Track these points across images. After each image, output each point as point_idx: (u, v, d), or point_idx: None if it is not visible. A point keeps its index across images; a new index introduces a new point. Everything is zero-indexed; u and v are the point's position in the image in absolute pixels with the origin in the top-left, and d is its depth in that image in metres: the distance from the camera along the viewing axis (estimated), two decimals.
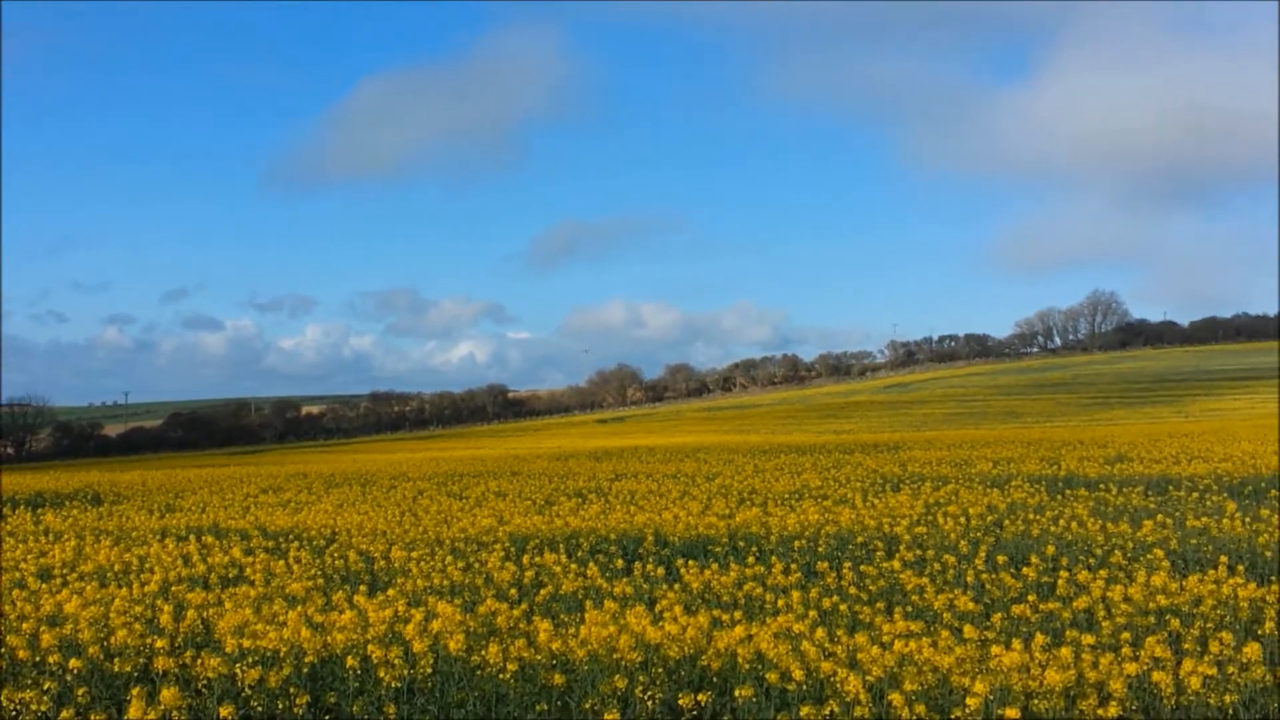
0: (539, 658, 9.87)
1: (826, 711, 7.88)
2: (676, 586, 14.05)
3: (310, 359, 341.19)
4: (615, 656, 9.62)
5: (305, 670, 10.05)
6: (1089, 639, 9.78)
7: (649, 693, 9.07)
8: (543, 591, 14.02)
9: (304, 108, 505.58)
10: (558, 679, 9.44)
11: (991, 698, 7.72)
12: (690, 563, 15.44)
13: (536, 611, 12.78)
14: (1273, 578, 13.61)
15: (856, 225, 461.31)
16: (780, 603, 12.58)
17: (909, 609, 12.58)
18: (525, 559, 16.49)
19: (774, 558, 16.12)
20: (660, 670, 9.64)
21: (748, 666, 9.37)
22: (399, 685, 9.55)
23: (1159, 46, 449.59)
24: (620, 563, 16.61)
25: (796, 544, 17.76)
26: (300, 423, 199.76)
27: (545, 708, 9.50)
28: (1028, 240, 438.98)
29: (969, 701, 7.54)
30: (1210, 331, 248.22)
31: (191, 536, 21.00)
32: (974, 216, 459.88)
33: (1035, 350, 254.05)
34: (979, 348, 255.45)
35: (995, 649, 8.65)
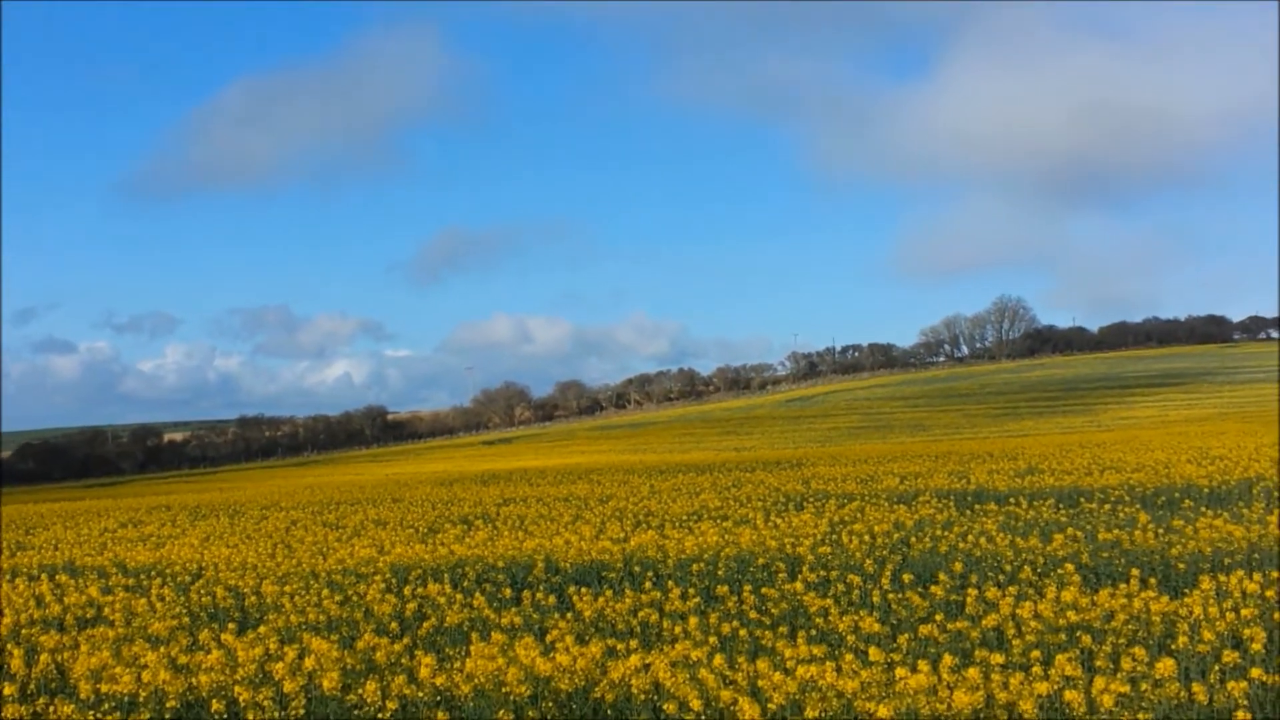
0: (421, 694, 9.80)
1: None
2: (569, 615, 14.06)
3: (172, 382, 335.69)
4: (503, 690, 9.59)
5: (168, 716, 9.87)
6: (998, 658, 9.93)
7: None
8: (426, 624, 13.94)
9: (164, 113, 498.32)
10: (441, 716, 9.37)
11: None
12: (583, 590, 15.44)
13: (419, 645, 12.71)
14: (1185, 589, 13.92)
15: (755, 232, 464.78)
16: (678, 629, 12.61)
17: (813, 632, 12.69)
18: (407, 590, 16.40)
19: (671, 582, 16.19)
20: (551, 704, 9.62)
21: (643, 697, 9.38)
22: None
23: (1061, 45, 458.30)
24: (509, 592, 16.57)
25: (695, 567, 17.81)
26: (162, 451, 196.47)
27: None
28: (933, 245, 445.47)
29: None
30: (1121, 337, 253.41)
31: (44, 575, 20.58)
32: (877, 221, 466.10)
33: (942, 359, 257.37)
34: (884, 358, 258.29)
35: (901, 671, 8.73)
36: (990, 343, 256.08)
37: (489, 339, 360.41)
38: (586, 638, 12.19)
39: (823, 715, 8.27)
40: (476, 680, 9.74)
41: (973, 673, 8.78)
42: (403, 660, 11.24)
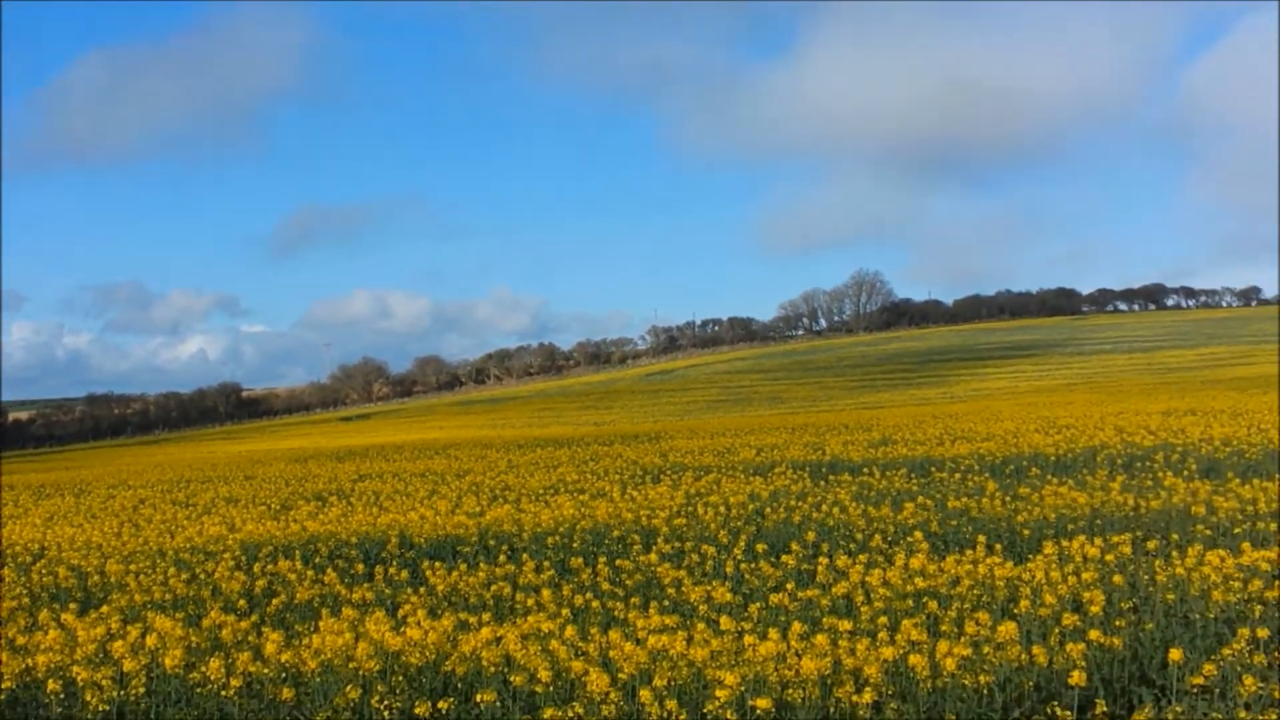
0: (267, 671, 9.66)
1: (571, 713, 7.91)
2: (421, 590, 13.97)
3: (18, 360, 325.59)
4: (351, 666, 9.49)
5: (3, 698, 9.62)
6: (847, 625, 10.07)
7: (386, 702, 8.96)
8: (275, 601, 13.76)
9: (10, 86, 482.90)
10: (286, 693, 9.25)
11: (744, 689, 7.86)
12: (437, 564, 15.35)
13: (267, 622, 12.51)
14: (1029, 555, 14.23)
15: (615, 208, 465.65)
16: (531, 602, 12.61)
17: (665, 603, 12.75)
18: (257, 568, 16.16)
19: (526, 556, 16.15)
20: (400, 678, 9.54)
21: (494, 670, 9.35)
22: (107, 708, 9.21)
23: (918, 25, 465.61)
24: (361, 567, 16.43)
25: (550, 540, 17.83)
26: (6, 431, 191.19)
27: None
28: (793, 220, 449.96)
29: (718, 693, 7.67)
30: (975, 310, 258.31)
31: None
32: (737, 197, 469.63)
33: (800, 333, 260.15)
34: (743, 332, 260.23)
35: (750, 639, 8.81)
36: (848, 316, 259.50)
37: (347, 315, 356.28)
38: (439, 612, 12.13)
39: (671, 683, 8.31)
40: (324, 656, 9.63)
41: (821, 639, 8.88)
42: (249, 638, 11.08)
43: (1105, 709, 7.37)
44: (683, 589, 13.10)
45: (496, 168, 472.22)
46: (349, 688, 8.99)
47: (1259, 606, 11.07)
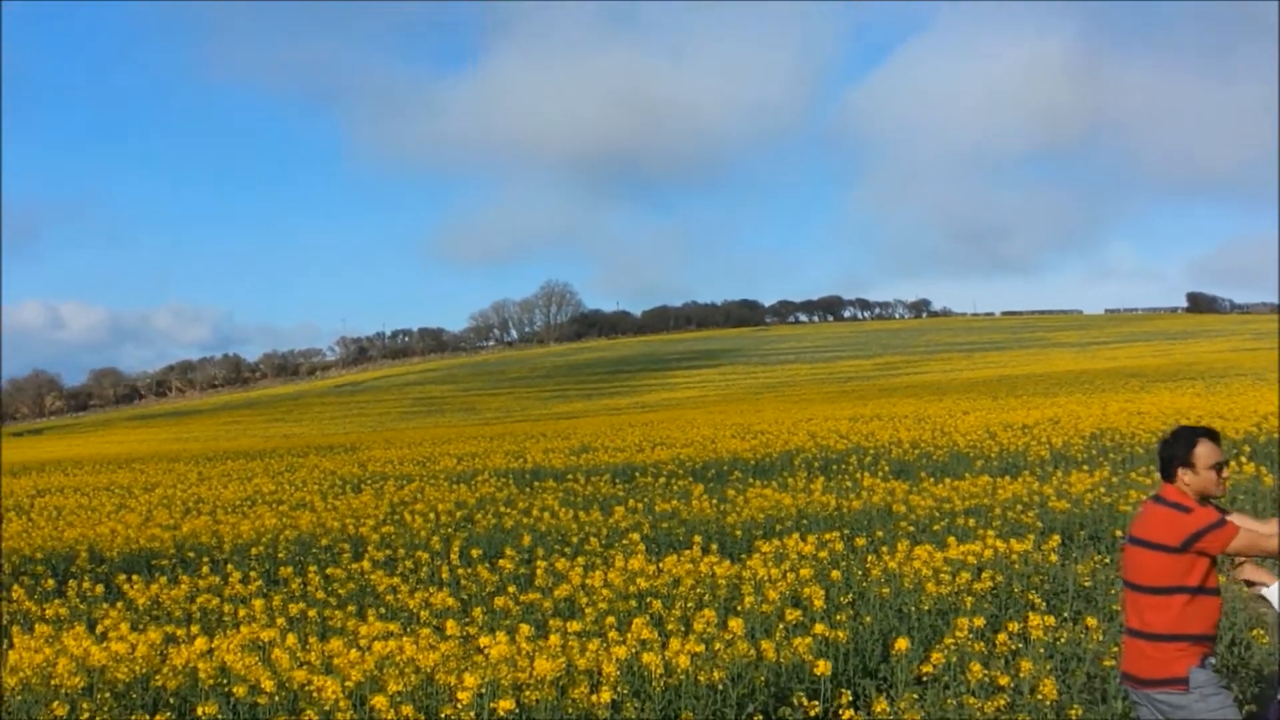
0: None
1: None
2: (119, 604, 13.26)
3: None
4: (54, 683, 8.87)
5: None
6: (576, 626, 9.95)
7: (97, 719, 8.38)
8: None
9: None
10: None
11: (483, 692, 7.65)
12: (134, 578, 14.62)
13: None
14: (743, 555, 14.42)
15: (299, 217, 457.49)
16: (242, 613, 12.08)
17: (383, 610, 12.41)
18: None
19: (231, 567, 15.55)
20: (108, 695, 8.97)
21: (211, 682, 8.88)
22: None
23: (590, 40, 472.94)
24: (51, 583, 15.52)
25: (254, 551, 17.21)
26: None
27: None
28: (482, 231, 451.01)
29: (460, 696, 7.44)
30: (662, 321, 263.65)
31: None
32: (426, 207, 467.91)
33: (492, 343, 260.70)
34: (434, 342, 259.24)
35: (485, 640, 8.60)
36: (539, 327, 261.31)
37: (16, 326, 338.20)
38: (142, 626, 11.50)
39: (405, 688, 8.03)
40: (23, 673, 8.98)
41: (553, 640, 8.74)
42: None
43: (849, 698, 7.44)
44: (399, 595, 12.77)
45: (170, 173, 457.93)
46: (55, 704, 8.37)
47: (969, 598, 11.45)
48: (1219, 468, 6.41)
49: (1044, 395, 56.02)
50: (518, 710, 7.55)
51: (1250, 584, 6.61)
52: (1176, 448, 6.50)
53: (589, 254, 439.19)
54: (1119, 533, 15.77)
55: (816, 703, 7.70)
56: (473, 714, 7.43)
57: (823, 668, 8.03)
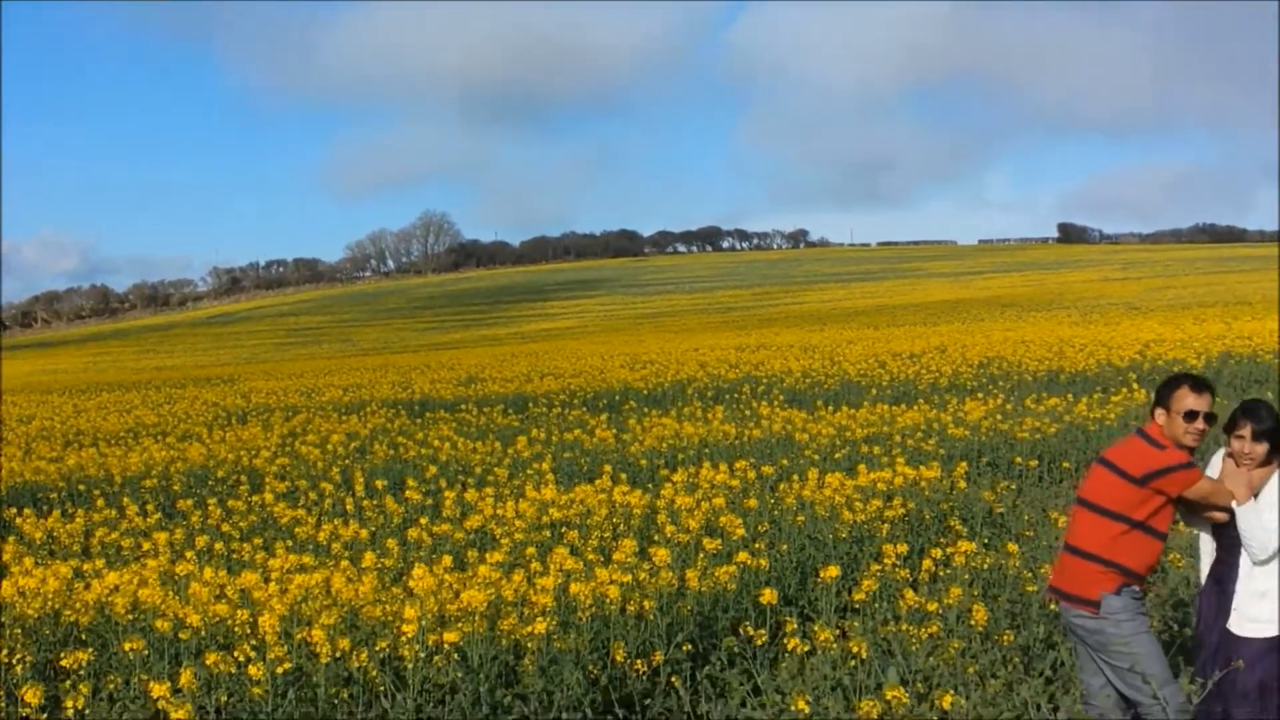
0: None
1: (242, 655, 7.35)
2: (11, 539, 12.89)
3: None
4: None
5: None
6: (498, 556, 9.84)
7: (19, 655, 8.06)
8: None
9: None
10: None
11: (424, 623, 7.51)
12: (26, 511, 14.22)
13: None
14: (648, 484, 14.40)
15: (169, 147, 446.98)
16: (146, 546, 11.78)
17: (290, 543, 12.19)
18: None
19: (126, 499, 15.19)
20: (18, 632, 8.67)
21: (130, 617, 8.63)
22: None
23: None
24: None
25: (146, 484, 16.81)
26: None
27: None
28: (360, 161, 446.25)
29: (406, 629, 7.28)
30: (541, 251, 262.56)
31: None
32: (304, 137, 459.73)
33: (369, 274, 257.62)
34: (310, 273, 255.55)
35: (419, 569, 8.42)
36: (416, 257, 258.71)
37: None
38: (41, 561, 11.15)
39: (339, 622, 7.85)
40: None
41: (484, 570, 8.59)
42: None
43: (794, 626, 7.42)
44: (306, 528, 12.55)
45: (34, 99, 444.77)
46: None
47: (884, 525, 11.52)
48: (1191, 416, 6.43)
49: (924, 325, 56.83)
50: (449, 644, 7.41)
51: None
52: (1164, 388, 6.57)
53: (469, 184, 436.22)
54: (1018, 460, 16.02)
55: (764, 631, 7.65)
56: (417, 646, 7.28)
57: (768, 596, 7.99)
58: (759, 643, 7.59)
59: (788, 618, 7.79)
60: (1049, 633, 8.48)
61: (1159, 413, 6.50)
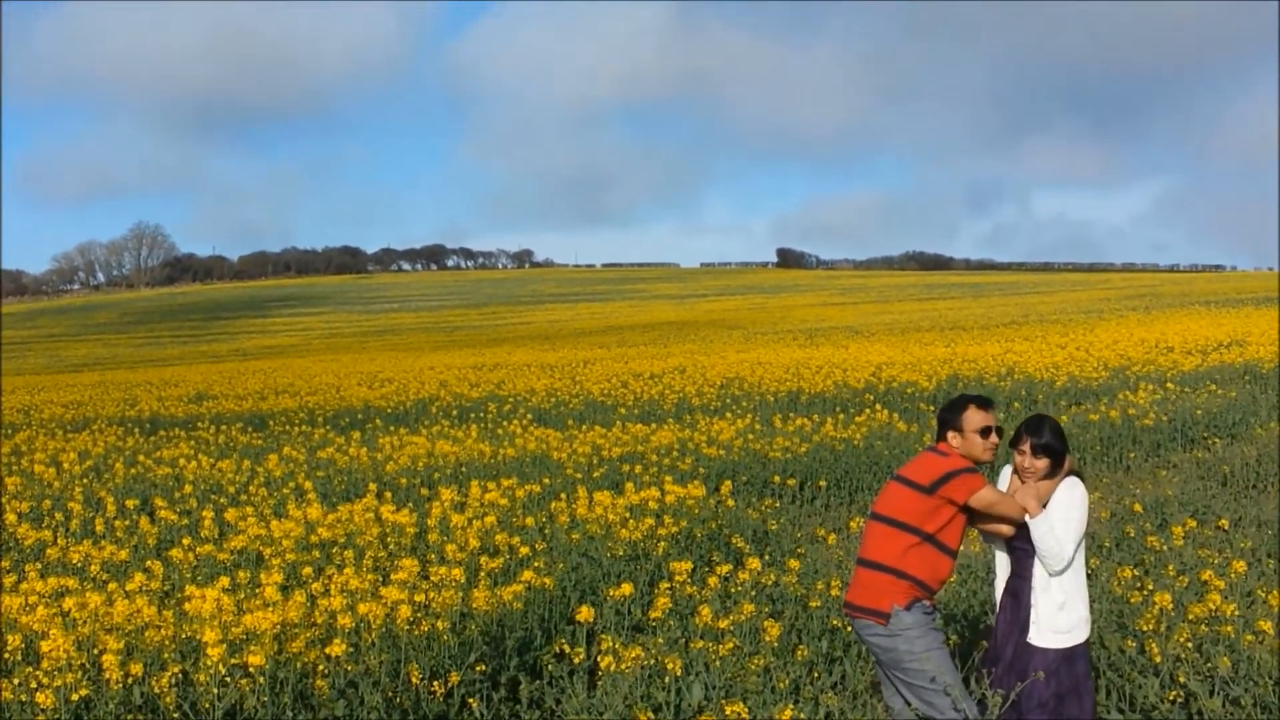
0: None
1: (33, 683, 6.94)
2: None
3: None
4: None
5: None
6: (277, 578, 9.52)
7: None
8: None
9: None
10: None
11: (225, 648, 7.21)
12: None
13: None
14: (410, 503, 14.20)
15: None
16: None
17: (40, 565, 11.56)
18: None
19: None
20: None
21: None
22: None
23: None
24: None
25: None
26: None
27: None
28: (66, 168, 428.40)
29: (211, 653, 6.97)
30: (261, 267, 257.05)
31: None
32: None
33: (77, 287, 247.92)
34: (13, 285, 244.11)
35: (193, 591, 8.09)
36: (129, 270, 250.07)
37: None
38: None
39: (124, 647, 7.48)
40: None
41: (270, 591, 8.30)
42: None
43: (610, 643, 7.38)
44: (58, 550, 11.93)
45: None
46: None
47: (660, 544, 11.60)
48: (985, 433, 6.66)
49: (655, 345, 57.69)
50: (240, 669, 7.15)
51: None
52: (949, 412, 6.75)
53: (183, 196, 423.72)
54: (776, 478, 16.34)
55: (580, 649, 7.61)
56: (223, 668, 7.00)
57: (585, 614, 7.92)
58: (576, 661, 7.56)
59: (604, 635, 7.74)
60: (829, 648, 8.67)
61: (952, 435, 6.69)
